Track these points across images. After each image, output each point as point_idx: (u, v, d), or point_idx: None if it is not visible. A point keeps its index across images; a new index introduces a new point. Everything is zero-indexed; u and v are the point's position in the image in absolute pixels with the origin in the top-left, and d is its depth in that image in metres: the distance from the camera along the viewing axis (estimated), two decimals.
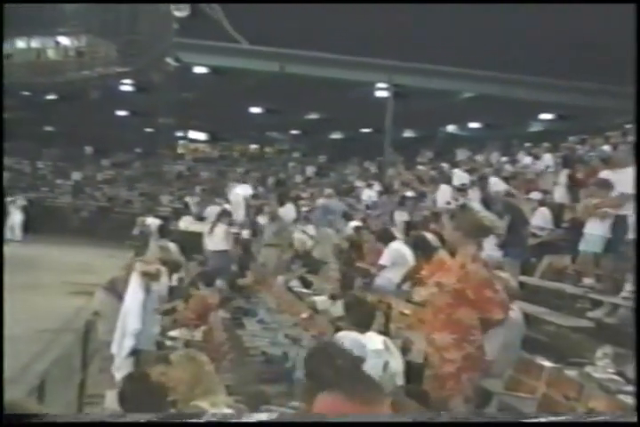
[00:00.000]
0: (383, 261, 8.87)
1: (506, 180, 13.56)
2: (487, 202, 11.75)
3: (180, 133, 36.36)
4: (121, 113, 35.87)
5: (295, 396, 5.48)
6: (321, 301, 8.10)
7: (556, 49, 26.84)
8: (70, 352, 6.92)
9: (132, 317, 6.87)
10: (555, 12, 26.47)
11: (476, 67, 28.77)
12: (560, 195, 11.11)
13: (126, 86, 32.60)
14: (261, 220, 13.65)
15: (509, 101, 30.30)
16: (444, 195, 12.98)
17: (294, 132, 38.83)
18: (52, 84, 31.45)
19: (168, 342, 7.23)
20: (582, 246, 7.78)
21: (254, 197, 15.39)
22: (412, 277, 8.17)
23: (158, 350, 6.77)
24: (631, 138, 13.36)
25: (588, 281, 7.72)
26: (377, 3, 25.73)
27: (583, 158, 12.76)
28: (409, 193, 14.59)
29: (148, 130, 34.97)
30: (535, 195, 10.87)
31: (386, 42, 27.04)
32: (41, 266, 15.72)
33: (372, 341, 4.95)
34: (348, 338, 4.86)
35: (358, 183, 18.64)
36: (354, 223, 12.03)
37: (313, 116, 36.15)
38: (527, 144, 18.10)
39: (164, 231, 13.35)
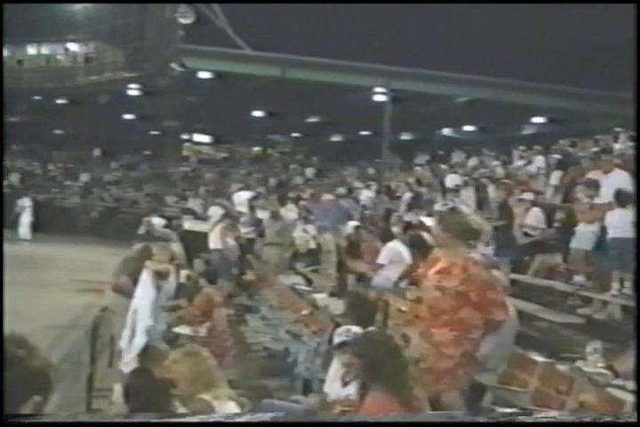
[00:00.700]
0: (381, 259, 8.88)
1: (497, 181, 13.56)
2: (480, 202, 11.78)
3: (185, 136, 36.32)
4: (128, 117, 35.84)
5: (295, 390, 5.50)
6: (321, 298, 8.11)
7: (549, 55, 26.87)
8: (79, 347, 6.92)
9: (144, 314, 6.89)
10: (548, 18, 26.52)
11: (470, 72, 28.77)
12: (552, 196, 11.12)
13: (133, 91, 32.57)
14: (264, 219, 13.63)
15: (503, 105, 30.28)
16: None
17: (295, 134, 38.82)
18: (62, 89, 31.49)
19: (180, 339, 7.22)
20: (574, 244, 7.80)
21: (256, 198, 15.34)
22: (409, 276, 8.18)
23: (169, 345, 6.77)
24: (620, 141, 13.38)
25: (578, 279, 7.73)
26: (375, 3, 25.73)
27: (574, 160, 12.76)
28: (407, 194, 14.59)
29: (154, 133, 34.95)
30: (528, 195, 10.85)
31: (384, 48, 27.08)
32: (51, 264, 15.73)
33: None
34: (352, 332, 4.88)
35: (357, 184, 18.63)
36: (352, 223, 12.03)
37: (313, 119, 36.14)
38: (520, 147, 18.06)
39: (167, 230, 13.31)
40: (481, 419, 1.82)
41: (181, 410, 3.71)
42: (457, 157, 20.81)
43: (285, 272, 10.71)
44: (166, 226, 14.03)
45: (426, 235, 8.52)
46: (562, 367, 5.15)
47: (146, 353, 6.64)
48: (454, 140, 34.61)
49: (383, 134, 30.97)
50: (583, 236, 7.75)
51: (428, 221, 10.57)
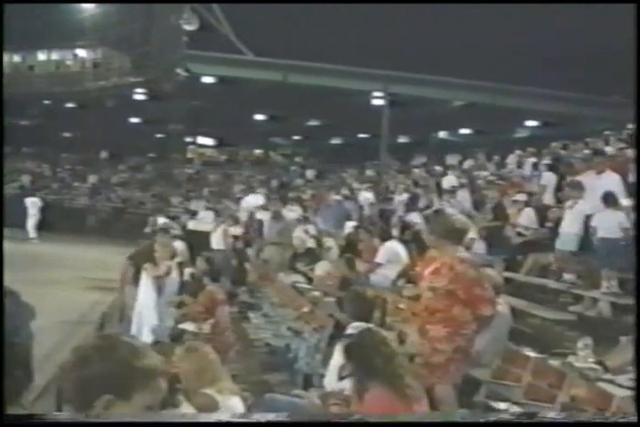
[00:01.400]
0: (379, 258, 8.87)
1: (492, 182, 13.55)
2: (475, 203, 11.77)
3: (189, 139, 36.33)
4: (134, 120, 35.87)
5: (296, 384, 5.50)
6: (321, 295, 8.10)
7: (542, 60, 26.88)
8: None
9: (149, 313, 6.91)
10: (541, 25, 26.52)
11: (466, 77, 28.81)
12: (545, 196, 11.10)
13: (139, 95, 32.60)
14: (265, 220, 13.62)
15: (497, 109, 30.33)
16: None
17: (296, 137, 38.82)
18: (71, 94, 31.49)
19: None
20: (558, 245, 7.82)
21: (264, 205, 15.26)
22: (407, 274, 8.18)
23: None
24: (611, 144, 13.37)
25: (568, 277, 7.74)
26: (372, 3, 25.75)
27: (566, 162, 12.76)
28: (404, 195, 14.57)
29: (160, 136, 34.97)
30: (521, 197, 10.85)
31: (382, 53, 27.07)
32: (59, 263, 15.71)
33: None
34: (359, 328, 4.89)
35: (356, 185, 18.60)
36: (351, 223, 12.03)
37: (313, 122, 36.14)
38: (517, 151, 18.05)
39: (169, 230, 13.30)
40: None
41: (185, 405, 3.69)
42: (452, 159, 20.77)
43: (286, 271, 10.70)
44: (169, 225, 14.04)
45: (423, 234, 8.54)
46: (554, 362, 5.15)
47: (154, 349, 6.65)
48: (450, 143, 34.61)
49: (381, 137, 31.03)
50: (566, 238, 7.76)
51: (420, 222, 10.60)
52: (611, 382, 4.47)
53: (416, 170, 20.34)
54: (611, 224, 7.28)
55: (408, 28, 26.53)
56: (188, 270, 8.99)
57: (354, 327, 4.86)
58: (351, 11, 26.96)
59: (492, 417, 1.80)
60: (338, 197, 14.91)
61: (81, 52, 31.29)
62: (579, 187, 7.95)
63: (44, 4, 27.62)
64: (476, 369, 5.27)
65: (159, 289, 7.10)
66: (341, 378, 4.59)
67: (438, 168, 18.39)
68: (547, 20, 26.14)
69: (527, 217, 9.95)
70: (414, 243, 8.83)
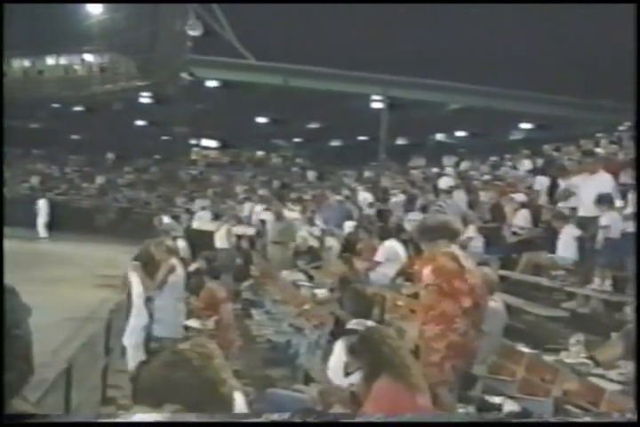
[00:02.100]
0: (378, 257, 8.85)
1: (489, 183, 13.56)
2: (471, 203, 11.76)
3: (193, 141, 36.35)
4: (140, 123, 35.86)
5: (297, 380, 5.50)
6: (321, 293, 8.10)
7: (536, 65, 26.88)
8: (95, 339, 6.92)
9: (139, 313, 6.93)
10: (535, 31, 26.54)
11: (462, 81, 28.80)
12: (540, 198, 11.10)
13: (145, 99, 32.60)
14: (268, 219, 13.61)
15: (493, 112, 30.32)
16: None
17: (297, 139, 38.80)
18: (79, 97, 31.48)
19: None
20: (560, 250, 7.79)
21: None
22: (405, 272, 8.18)
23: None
24: (601, 146, 13.36)
25: (558, 273, 7.73)
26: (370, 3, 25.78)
27: (559, 164, 12.75)
28: (402, 195, 14.57)
29: (165, 138, 34.98)
30: (518, 197, 10.83)
31: (380, 58, 27.07)
32: (68, 261, 15.72)
33: None
34: (363, 324, 4.89)
35: (355, 186, 18.59)
36: (351, 223, 12.02)
37: (314, 125, 36.13)
38: (509, 151, 18.05)
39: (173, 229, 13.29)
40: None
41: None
42: (448, 160, 20.77)
43: (288, 269, 10.69)
44: (173, 224, 14.04)
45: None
46: (547, 358, 5.15)
47: (160, 344, 6.66)
48: (447, 145, 34.60)
49: (380, 139, 31.00)
50: (566, 244, 7.74)
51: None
52: (602, 376, 4.47)
53: (413, 171, 20.33)
54: (613, 224, 7.26)
55: (406, 33, 26.54)
56: (193, 266, 8.98)
57: (354, 323, 4.86)
58: (351, 16, 26.97)
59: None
60: (338, 198, 14.91)
61: (88, 57, 31.29)
62: (568, 191, 7.99)
63: (52, 10, 27.61)
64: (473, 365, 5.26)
65: (163, 287, 7.10)
66: (347, 374, 4.58)
67: (435, 169, 18.39)
68: (541, 26, 26.17)
69: (522, 217, 9.95)
70: (412, 242, 8.81)
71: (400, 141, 35.65)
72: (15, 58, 30.99)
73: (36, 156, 31.80)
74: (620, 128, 15.78)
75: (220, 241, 12.58)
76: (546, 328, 6.92)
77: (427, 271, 4.71)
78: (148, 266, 7.23)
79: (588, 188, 7.93)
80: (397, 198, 14.44)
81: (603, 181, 7.97)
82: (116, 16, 29.58)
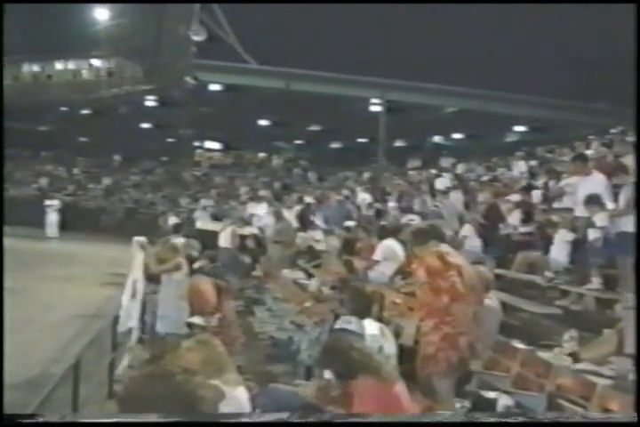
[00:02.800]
0: (376, 256, 8.84)
1: (486, 184, 13.54)
2: (468, 203, 11.76)
3: (197, 143, 36.36)
4: (145, 125, 35.88)
5: (299, 375, 5.51)
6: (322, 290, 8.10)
7: (530, 69, 26.89)
8: (102, 336, 6.94)
9: (163, 307, 6.98)
10: (530, 36, 26.55)
11: (459, 84, 28.82)
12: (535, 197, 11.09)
13: (150, 102, 32.63)
14: (268, 220, 13.60)
15: (488, 115, 30.33)
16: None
17: (298, 142, 38.81)
18: (86, 101, 31.50)
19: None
20: (553, 253, 7.78)
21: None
22: (403, 271, 8.17)
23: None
24: (593, 148, 13.36)
25: (550, 275, 7.74)
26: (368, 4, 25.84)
27: (552, 165, 12.75)
28: (400, 196, 14.58)
29: (170, 140, 34.99)
30: (514, 197, 10.83)
31: (379, 62, 27.09)
32: (76, 260, 15.73)
33: (370, 327, 4.99)
34: (353, 322, 4.90)
35: (355, 187, 18.60)
36: (351, 222, 12.01)
37: (315, 127, 36.14)
38: (504, 153, 18.07)
39: (180, 229, 13.28)
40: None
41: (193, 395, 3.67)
42: (445, 162, 20.78)
43: (289, 267, 10.69)
44: (179, 224, 14.03)
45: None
46: (541, 354, 5.16)
47: (164, 341, 6.67)
48: (444, 147, 34.61)
49: (379, 141, 30.96)
50: (559, 248, 7.73)
51: (417, 221, 10.60)
52: (593, 372, 4.47)
53: (411, 172, 20.34)
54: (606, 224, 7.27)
55: (404, 38, 26.56)
56: (197, 264, 8.96)
57: (345, 321, 4.85)
58: (350, 22, 27.02)
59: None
60: (338, 198, 14.91)
61: (96, 62, 31.31)
62: (560, 192, 8.01)
63: (61, 17, 27.65)
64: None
65: (168, 284, 7.11)
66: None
67: (433, 171, 18.39)
68: (537, 30, 26.19)
69: (517, 218, 9.93)
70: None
71: (398, 143, 35.65)
72: (25, 63, 31.03)
73: (44, 157, 31.83)
74: (612, 131, 15.79)
75: (225, 241, 12.55)
76: (540, 325, 6.93)
77: (421, 271, 4.78)
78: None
79: (582, 189, 7.93)
80: (396, 199, 14.44)
81: (596, 182, 7.97)
82: (122, 22, 29.61)
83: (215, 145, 37.47)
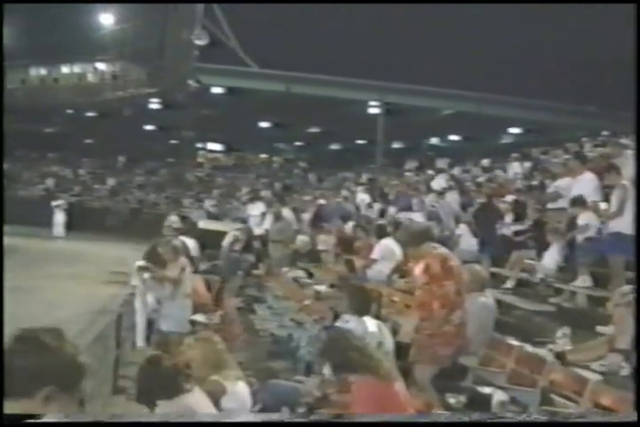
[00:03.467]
0: (374, 255, 8.84)
1: (482, 184, 13.50)
2: (464, 204, 11.75)
3: (199, 145, 36.37)
4: (149, 127, 35.89)
5: (298, 371, 5.51)
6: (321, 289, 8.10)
7: (524, 72, 26.92)
8: (106, 333, 6.93)
9: (167, 306, 6.98)
10: (525, 40, 26.57)
11: (455, 87, 28.83)
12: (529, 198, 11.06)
13: (154, 105, 32.63)
14: (268, 219, 13.57)
15: (484, 117, 30.33)
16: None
17: (298, 143, 38.82)
18: (92, 103, 31.52)
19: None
20: (545, 260, 7.78)
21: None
22: (400, 270, 8.18)
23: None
24: (586, 149, 13.35)
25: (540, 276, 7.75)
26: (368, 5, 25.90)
27: (546, 166, 12.74)
28: (397, 196, 14.55)
29: (173, 142, 34.99)
30: (509, 198, 10.82)
31: (377, 66, 27.11)
32: (81, 259, 15.72)
33: (369, 324, 5.00)
34: (352, 320, 4.91)
35: (353, 188, 18.60)
36: (350, 222, 12.00)
37: (314, 129, 36.15)
38: (499, 154, 18.05)
39: (181, 229, 13.24)
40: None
41: (196, 391, 3.67)
42: (441, 163, 20.76)
43: (289, 266, 10.68)
44: (180, 224, 13.98)
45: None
46: (535, 350, 5.16)
47: (167, 338, 6.66)
48: (440, 148, 34.61)
49: (377, 143, 31.03)
50: (552, 255, 7.73)
51: (417, 218, 10.60)
52: (586, 367, 4.48)
53: (408, 173, 20.32)
54: (592, 224, 7.28)
55: (402, 42, 26.59)
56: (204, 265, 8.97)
57: (343, 321, 4.87)
58: (349, 27, 27.04)
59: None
60: (337, 199, 14.90)
61: (101, 66, 31.31)
62: (557, 194, 8.04)
63: (67, 21, 27.66)
64: (464, 357, 5.28)
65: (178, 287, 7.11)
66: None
67: (429, 171, 18.37)
68: (532, 35, 26.22)
69: (511, 217, 9.92)
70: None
71: (396, 145, 35.66)
72: (32, 67, 31.05)
73: (51, 159, 31.82)
74: (604, 133, 15.79)
75: (228, 240, 12.50)
76: (534, 322, 6.93)
77: (418, 271, 4.82)
78: (157, 264, 7.22)
79: (574, 189, 7.94)
80: (393, 199, 14.43)
81: (586, 181, 7.98)
82: (126, 27, 29.62)
83: (217, 146, 37.47)
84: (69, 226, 21.83)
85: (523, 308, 7.37)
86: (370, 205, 14.43)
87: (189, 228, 11.62)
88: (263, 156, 38.67)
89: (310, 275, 9.79)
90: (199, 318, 7.06)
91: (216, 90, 31.47)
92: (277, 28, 26.17)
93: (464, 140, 34.93)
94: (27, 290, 10.30)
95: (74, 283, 12.48)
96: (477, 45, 26.35)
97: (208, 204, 21.30)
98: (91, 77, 31.38)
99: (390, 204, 14.12)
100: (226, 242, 11.30)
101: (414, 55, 26.52)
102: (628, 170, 7.81)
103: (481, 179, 14.78)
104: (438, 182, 14.56)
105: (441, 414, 3.53)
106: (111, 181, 28.41)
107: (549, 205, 8.97)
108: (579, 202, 7.42)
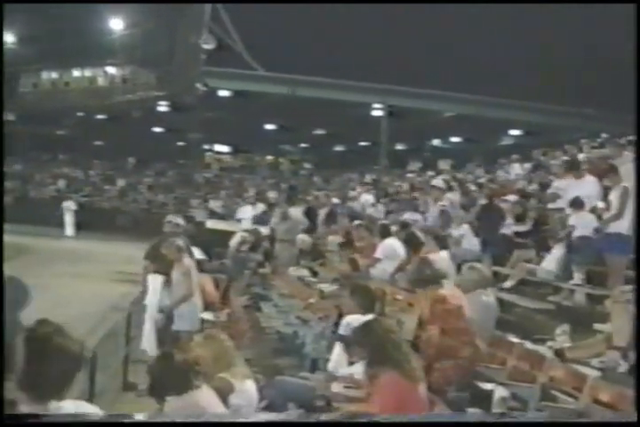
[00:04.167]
0: (378, 254, 8.83)
1: (484, 185, 13.48)
2: (464, 204, 11.72)
3: (207, 146, 36.43)
4: (158, 130, 35.98)
5: (304, 368, 5.52)
6: (325, 287, 8.10)
7: (525, 75, 26.87)
8: (116, 331, 6.95)
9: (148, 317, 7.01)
10: (524, 43, 26.52)
11: (457, 90, 28.80)
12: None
13: (162, 107, 32.71)
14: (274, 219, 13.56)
15: (485, 119, 30.30)
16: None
17: (303, 145, 38.85)
18: (102, 106, 31.63)
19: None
20: (545, 264, 7.77)
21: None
22: (404, 268, 8.17)
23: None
24: (584, 151, 13.32)
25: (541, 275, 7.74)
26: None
27: (545, 168, 12.72)
28: (401, 196, 14.56)
29: (181, 144, 35.06)
30: (510, 198, 10.79)
31: (381, 69, 27.11)
32: (92, 258, 15.76)
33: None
34: (356, 320, 4.91)
35: (358, 188, 18.58)
36: (355, 222, 11.97)
37: (319, 131, 36.17)
38: (500, 155, 18.00)
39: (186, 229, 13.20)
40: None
41: (204, 388, 3.67)
42: (444, 164, 20.72)
43: (294, 265, 10.67)
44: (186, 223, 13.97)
45: (419, 233, 8.52)
46: (535, 347, 5.16)
47: (178, 337, 6.69)
48: (442, 150, 34.57)
49: (380, 145, 31.03)
50: (550, 259, 7.72)
51: (418, 219, 10.60)
52: (585, 364, 4.48)
53: (411, 174, 20.30)
54: (584, 224, 7.28)
55: (404, 46, 26.58)
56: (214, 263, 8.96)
57: (348, 322, 4.85)
58: (353, 31, 27.06)
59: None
60: (340, 200, 14.88)
61: (111, 70, 31.44)
62: (556, 195, 8.03)
63: (77, 26, 27.77)
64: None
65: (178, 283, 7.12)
66: (351, 363, 4.60)
67: (431, 172, 18.35)
68: (532, 38, 26.15)
69: (513, 217, 9.90)
70: (410, 240, 8.79)
71: (399, 147, 35.64)
72: (44, 71, 31.18)
73: (62, 160, 31.93)
74: (603, 135, 15.75)
75: (234, 241, 12.50)
76: (534, 320, 6.92)
77: (426, 313, 4.86)
78: (160, 265, 7.22)
79: (572, 191, 7.94)
80: (397, 199, 14.42)
81: (589, 184, 7.97)
82: (135, 32, 29.73)
83: (224, 148, 37.53)
84: (80, 226, 21.90)
85: (523, 306, 7.37)
86: (374, 205, 14.42)
87: (192, 228, 11.61)
88: (269, 157, 38.70)
89: (315, 274, 9.79)
90: (207, 315, 7.07)
91: (223, 93, 31.52)
92: (282, 32, 26.20)
93: (466, 142, 34.88)
94: (37, 288, 10.32)
95: (85, 281, 12.52)
96: (478, 49, 26.32)
97: (214, 204, 21.32)
98: (101, 81, 31.50)
99: (394, 204, 14.11)
100: (233, 242, 11.31)
101: (417, 59, 26.51)
102: (628, 170, 7.78)
103: (482, 179, 14.76)
104: (437, 182, 14.53)
105: (442, 414, 3.52)
106: (121, 182, 28.48)
107: (549, 206, 8.97)
108: (577, 203, 7.42)
